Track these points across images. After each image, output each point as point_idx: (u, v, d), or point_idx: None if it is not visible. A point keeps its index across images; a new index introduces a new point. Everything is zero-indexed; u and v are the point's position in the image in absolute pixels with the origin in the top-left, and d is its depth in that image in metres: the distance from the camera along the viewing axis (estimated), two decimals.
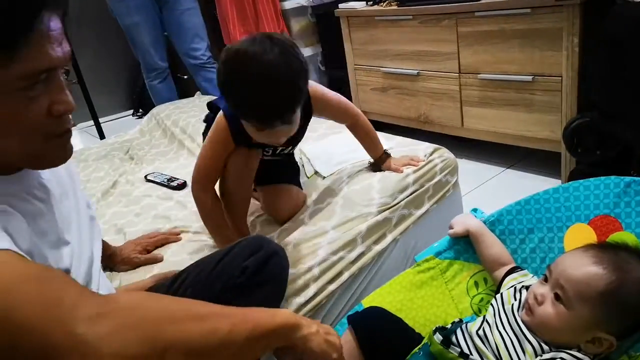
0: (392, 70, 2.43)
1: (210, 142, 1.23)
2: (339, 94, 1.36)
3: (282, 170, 1.45)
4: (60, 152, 0.67)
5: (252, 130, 1.10)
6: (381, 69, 2.49)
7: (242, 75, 1.00)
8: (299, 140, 1.38)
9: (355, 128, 1.41)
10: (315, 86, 1.25)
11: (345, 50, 2.64)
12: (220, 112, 1.21)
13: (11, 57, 0.56)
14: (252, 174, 1.28)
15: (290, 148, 1.39)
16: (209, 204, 1.24)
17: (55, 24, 0.60)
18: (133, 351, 0.49)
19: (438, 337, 0.80)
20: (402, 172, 1.39)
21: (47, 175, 0.75)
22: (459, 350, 0.78)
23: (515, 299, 0.86)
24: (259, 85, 0.98)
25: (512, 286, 0.90)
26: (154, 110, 2.54)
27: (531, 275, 0.95)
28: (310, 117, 1.30)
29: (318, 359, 0.72)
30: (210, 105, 1.32)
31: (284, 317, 0.67)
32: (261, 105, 1.00)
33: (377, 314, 0.93)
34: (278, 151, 1.36)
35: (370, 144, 1.43)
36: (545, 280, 0.82)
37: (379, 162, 1.44)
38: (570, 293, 0.76)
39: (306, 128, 1.34)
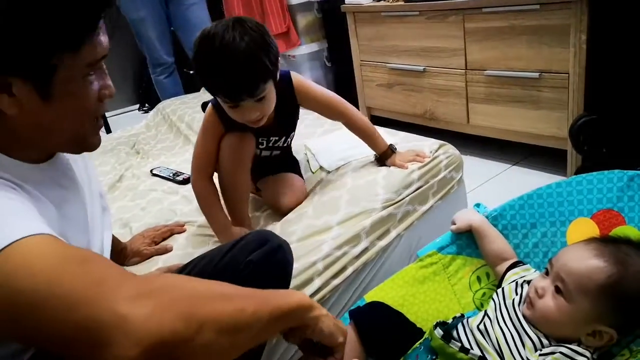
0: (398, 67, 2.43)
1: (201, 130, 1.31)
2: (328, 90, 1.39)
3: (281, 164, 1.48)
4: (97, 137, 0.75)
5: (227, 109, 1.17)
6: (387, 65, 2.48)
7: (207, 54, 1.10)
8: (291, 131, 1.41)
9: (349, 126, 1.43)
10: (299, 77, 1.33)
11: (351, 46, 2.64)
12: (210, 103, 1.29)
13: (82, 46, 0.64)
14: (247, 156, 1.30)
15: (284, 140, 1.41)
16: (204, 191, 1.29)
17: None
18: (171, 328, 0.51)
19: (439, 332, 0.80)
20: (407, 168, 1.39)
21: (68, 164, 0.80)
22: (459, 345, 0.78)
23: (517, 294, 0.87)
24: (221, 60, 1.07)
25: (513, 281, 0.90)
26: (160, 105, 2.55)
27: (533, 270, 0.95)
28: (297, 109, 1.36)
29: (326, 339, 0.75)
30: (204, 105, 1.36)
31: (298, 298, 0.70)
32: (224, 79, 1.09)
33: (379, 309, 0.94)
34: (272, 142, 1.38)
35: (368, 141, 1.44)
36: (547, 273, 0.82)
37: (384, 157, 1.44)
38: (571, 286, 0.76)
39: (296, 120, 1.40)
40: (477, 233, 1.02)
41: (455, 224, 1.05)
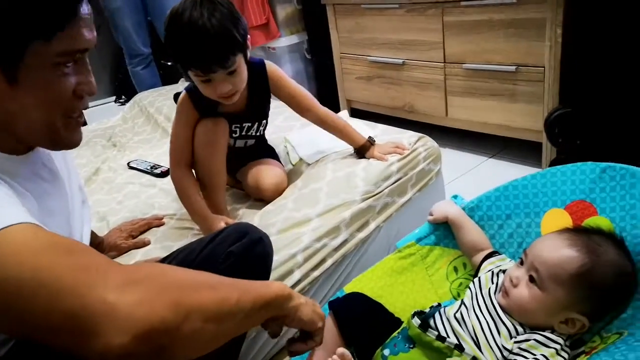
0: (377, 59, 2.43)
1: (175, 118, 1.32)
2: (301, 87, 1.41)
3: (258, 154, 1.50)
4: (75, 135, 0.73)
5: (200, 85, 1.19)
6: (367, 57, 2.48)
7: (177, 29, 1.13)
8: (263, 118, 1.42)
9: (319, 123, 1.44)
10: (273, 66, 1.36)
11: (331, 38, 2.63)
12: (183, 91, 1.30)
13: (54, 35, 0.63)
14: (221, 141, 1.31)
15: (256, 127, 1.42)
16: (182, 180, 1.30)
17: (88, 8, 0.67)
18: (159, 316, 0.51)
19: (416, 321, 0.81)
20: (386, 160, 1.40)
21: (49, 157, 0.78)
22: (436, 333, 0.79)
23: (493, 283, 0.88)
24: (191, 33, 1.10)
25: (489, 270, 0.92)
26: (137, 97, 2.51)
27: (509, 259, 0.97)
28: (269, 97, 1.39)
29: (305, 326, 0.76)
30: (176, 96, 1.37)
31: (278, 288, 0.70)
32: (196, 50, 1.12)
33: (358, 300, 0.94)
34: (245, 130, 1.39)
35: (343, 137, 1.45)
36: (521, 263, 0.84)
37: (362, 150, 1.45)
38: (544, 275, 0.78)
39: (267, 108, 1.42)
40: (453, 224, 1.04)
41: (432, 215, 1.07)
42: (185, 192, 1.29)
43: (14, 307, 0.51)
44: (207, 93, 1.21)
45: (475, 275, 0.95)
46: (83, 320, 0.49)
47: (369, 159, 1.43)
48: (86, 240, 0.87)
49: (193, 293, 0.57)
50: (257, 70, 1.32)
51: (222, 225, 1.17)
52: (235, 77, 1.18)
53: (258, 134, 1.45)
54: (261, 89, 1.35)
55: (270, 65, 1.35)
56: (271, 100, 1.42)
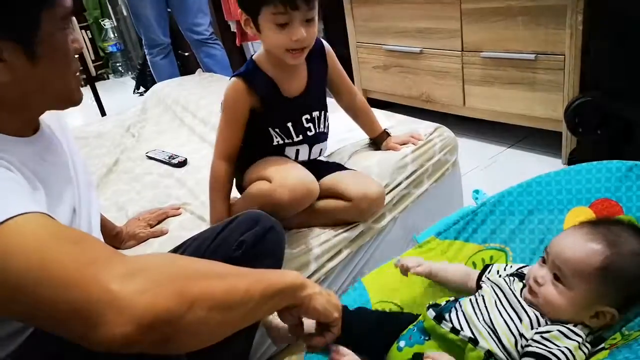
0: (394, 48, 2.41)
1: (224, 106, 1.19)
2: None
3: (327, 166, 1.34)
4: (80, 91, 0.77)
5: (271, 32, 1.09)
6: (383, 46, 2.46)
7: None
8: (324, 107, 1.29)
9: (354, 106, 1.40)
10: (329, 46, 1.30)
11: (347, 26, 2.61)
12: (231, 78, 1.19)
13: (56, 2, 0.66)
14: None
15: (323, 119, 1.28)
16: (218, 173, 1.20)
17: None
18: (164, 305, 0.52)
19: (431, 313, 0.81)
20: (399, 150, 1.39)
21: (53, 138, 0.80)
22: (450, 325, 0.79)
23: (512, 283, 0.86)
24: None
25: (500, 276, 0.89)
26: (155, 87, 2.54)
27: (503, 265, 0.94)
28: (327, 73, 1.29)
29: (320, 317, 0.76)
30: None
31: (292, 277, 0.71)
32: None
33: (360, 316, 0.89)
34: (317, 124, 1.26)
35: (367, 124, 1.44)
36: (544, 261, 0.83)
37: (379, 141, 1.44)
38: (568, 273, 0.77)
39: (325, 90, 1.32)
40: (438, 272, 0.96)
41: (408, 267, 0.96)
42: (215, 187, 1.21)
43: (21, 297, 0.52)
44: (278, 41, 1.10)
45: (478, 288, 0.91)
46: (87, 310, 0.50)
47: (383, 150, 1.43)
48: (95, 224, 0.88)
49: (199, 282, 0.57)
50: (316, 47, 1.22)
51: None
52: (311, 27, 1.11)
53: (326, 130, 1.30)
54: (320, 66, 1.27)
55: (326, 43, 1.29)
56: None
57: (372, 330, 0.87)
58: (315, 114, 1.25)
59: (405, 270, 0.96)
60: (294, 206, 1.12)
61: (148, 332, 0.51)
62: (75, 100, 0.76)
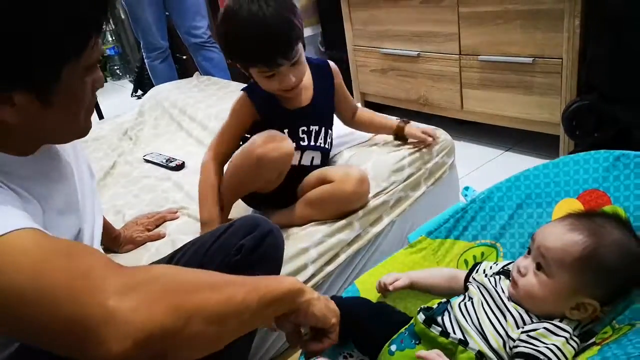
0: (392, 52, 2.41)
1: (230, 113, 1.28)
2: None
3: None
4: (87, 123, 0.74)
5: (264, 81, 1.16)
6: (381, 50, 2.46)
7: (237, 27, 1.10)
8: (329, 124, 1.35)
9: (360, 118, 1.45)
10: (335, 66, 1.38)
11: (345, 30, 2.61)
12: (241, 91, 1.28)
13: (84, 52, 0.63)
14: (283, 171, 1.22)
15: (324, 134, 1.32)
16: (209, 173, 1.25)
17: None
18: (160, 321, 0.51)
19: (421, 317, 0.81)
20: (424, 138, 1.41)
21: (57, 151, 0.78)
22: (440, 329, 0.79)
23: (495, 280, 0.86)
24: (252, 29, 1.07)
25: (486, 275, 0.89)
26: (153, 91, 2.53)
27: (492, 263, 0.93)
28: (333, 94, 1.35)
29: (319, 323, 0.75)
30: None
31: (289, 283, 0.70)
32: (259, 46, 1.09)
33: (360, 305, 0.92)
34: (313, 137, 1.30)
35: (379, 125, 1.46)
36: (529, 253, 0.83)
37: (399, 132, 1.44)
38: (550, 261, 0.78)
39: (333, 106, 1.37)
40: (419, 281, 0.96)
41: (389, 284, 0.95)
42: (205, 187, 1.24)
43: (15, 315, 0.51)
44: (270, 87, 1.18)
45: (466, 289, 0.91)
46: (83, 327, 0.49)
47: (408, 139, 1.43)
48: (98, 232, 0.87)
49: (194, 295, 0.57)
50: (323, 67, 1.32)
51: None
52: (298, 66, 1.16)
53: (326, 145, 1.34)
54: (326, 83, 1.33)
55: (332, 63, 1.37)
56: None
57: (371, 316, 0.89)
58: (314, 128, 1.30)
59: (384, 290, 0.96)
60: (273, 162, 1.15)
61: (145, 348, 0.50)
62: (83, 134, 0.74)
